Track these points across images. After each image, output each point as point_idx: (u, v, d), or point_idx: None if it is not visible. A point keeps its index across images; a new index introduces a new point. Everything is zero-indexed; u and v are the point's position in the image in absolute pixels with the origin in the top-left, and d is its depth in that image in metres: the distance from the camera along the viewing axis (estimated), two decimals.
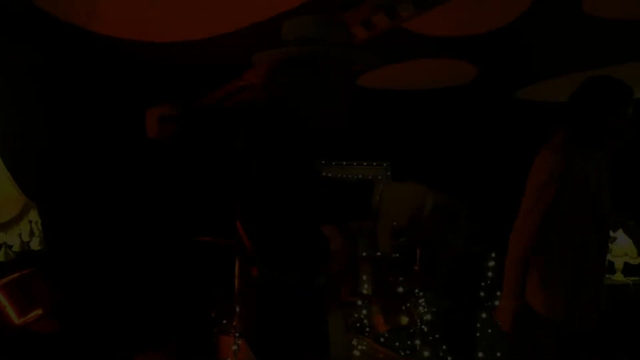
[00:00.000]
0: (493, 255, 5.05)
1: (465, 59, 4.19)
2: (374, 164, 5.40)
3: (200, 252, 4.22)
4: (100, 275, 4.19)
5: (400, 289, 4.06)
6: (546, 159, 2.53)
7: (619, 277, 5.27)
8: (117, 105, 4.25)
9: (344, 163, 5.23)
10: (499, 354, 4.72)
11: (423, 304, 3.97)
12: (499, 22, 3.41)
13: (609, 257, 5.40)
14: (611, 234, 5.16)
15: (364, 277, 4.21)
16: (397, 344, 4.02)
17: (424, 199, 1.71)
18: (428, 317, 3.99)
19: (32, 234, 2.69)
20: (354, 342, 3.64)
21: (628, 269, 5.11)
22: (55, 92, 4.06)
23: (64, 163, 4.11)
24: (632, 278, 5.06)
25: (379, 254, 4.83)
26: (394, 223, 1.75)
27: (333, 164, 5.26)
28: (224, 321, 4.07)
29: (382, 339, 4.02)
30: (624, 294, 5.03)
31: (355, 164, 5.29)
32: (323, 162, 5.03)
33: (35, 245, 2.73)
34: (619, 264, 5.27)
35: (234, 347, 3.73)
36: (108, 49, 3.71)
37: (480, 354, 4.80)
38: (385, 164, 5.45)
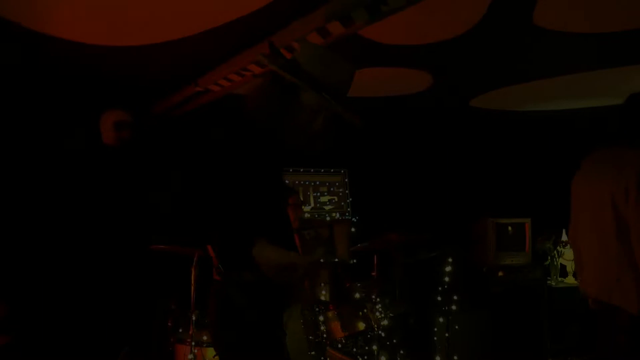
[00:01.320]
0: (449, 260, 5.12)
1: (421, 67, 4.24)
2: (332, 170, 5.42)
3: (156, 260, 4.16)
4: (50, 287, 4.09)
5: (357, 295, 4.08)
6: None
7: (570, 279, 5.42)
8: (70, 112, 4.17)
9: (301, 170, 5.23)
10: (456, 357, 4.78)
11: (380, 309, 3.99)
12: (453, 32, 3.47)
13: (561, 260, 5.55)
14: (564, 237, 5.31)
15: (322, 284, 4.21)
16: (354, 349, 4.03)
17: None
18: (385, 322, 4.01)
19: None
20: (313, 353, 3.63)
21: None
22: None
23: (9, 172, 4.02)
24: None
25: (336, 260, 4.85)
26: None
27: (291, 170, 5.27)
28: (180, 330, 4.01)
29: (339, 345, 4.02)
30: (575, 295, 5.17)
31: (312, 170, 5.30)
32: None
33: None
34: (570, 267, 5.43)
35: (190, 357, 3.68)
36: (61, 55, 3.64)
37: (437, 358, 4.86)
38: (342, 171, 5.49)
